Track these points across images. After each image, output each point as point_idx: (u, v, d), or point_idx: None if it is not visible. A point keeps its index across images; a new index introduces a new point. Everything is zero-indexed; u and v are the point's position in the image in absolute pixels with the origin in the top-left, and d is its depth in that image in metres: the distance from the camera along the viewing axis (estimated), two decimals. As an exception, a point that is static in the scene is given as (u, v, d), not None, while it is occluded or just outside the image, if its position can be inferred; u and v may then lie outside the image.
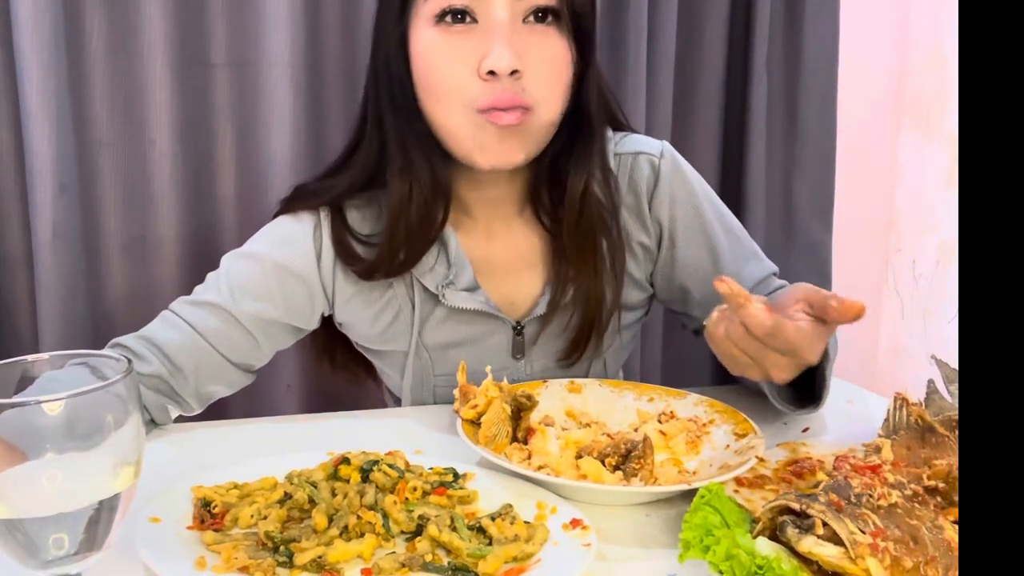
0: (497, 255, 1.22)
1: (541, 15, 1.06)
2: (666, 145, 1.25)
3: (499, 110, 1.05)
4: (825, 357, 1.00)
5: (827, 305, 0.83)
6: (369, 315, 1.22)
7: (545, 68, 1.07)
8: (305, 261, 1.17)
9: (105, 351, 0.73)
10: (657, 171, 1.22)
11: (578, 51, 1.10)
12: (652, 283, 1.29)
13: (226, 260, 1.19)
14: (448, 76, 1.06)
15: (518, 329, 1.23)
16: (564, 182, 1.16)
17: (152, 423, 1.12)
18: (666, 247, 1.25)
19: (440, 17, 1.04)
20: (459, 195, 1.20)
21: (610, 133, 1.23)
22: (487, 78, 1.03)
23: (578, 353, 1.23)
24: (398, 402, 1.33)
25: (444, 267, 1.18)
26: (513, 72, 1.03)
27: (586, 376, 1.27)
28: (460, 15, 1.04)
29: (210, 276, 1.18)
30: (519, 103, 1.05)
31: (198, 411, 1.16)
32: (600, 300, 1.19)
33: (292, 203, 1.20)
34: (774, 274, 1.26)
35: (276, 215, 1.22)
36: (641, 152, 1.24)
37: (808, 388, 1.06)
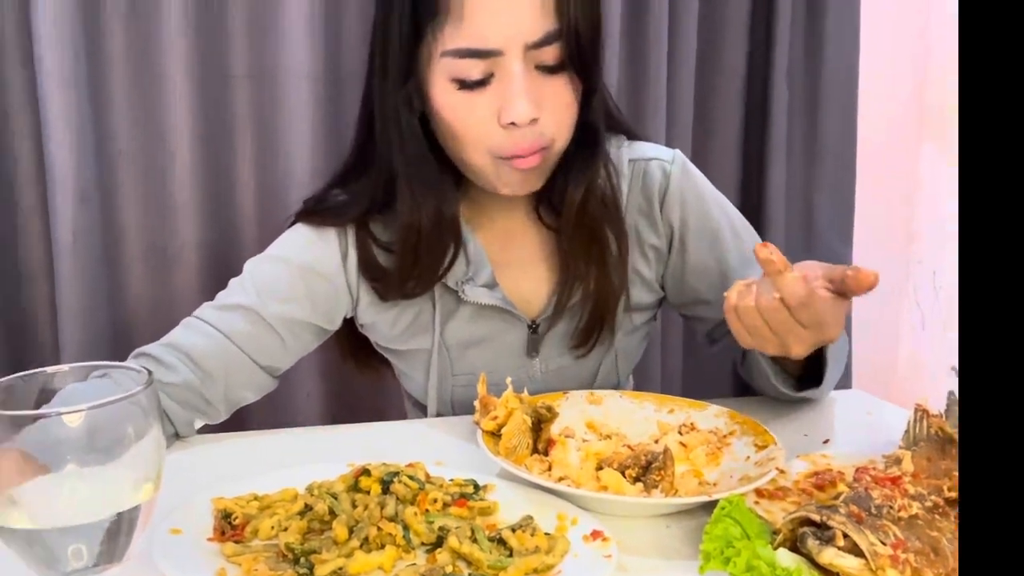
0: (513, 254, 1.25)
1: (552, 67, 1.08)
2: (677, 152, 1.29)
3: (520, 156, 1.09)
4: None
5: (844, 276, 0.87)
6: (391, 315, 1.24)
7: (559, 108, 1.10)
8: (331, 261, 1.20)
9: (127, 363, 0.73)
10: (668, 176, 1.26)
11: (584, 82, 1.12)
12: (663, 286, 1.31)
13: (249, 265, 1.20)
14: (471, 127, 1.09)
15: (533, 327, 1.25)
16: (566, 188, 1.18)
17: (176, 436, 1.12)
18: (676, 249, 1.27)
19: (461, 83, 1.07)
20: (475, 198, 1.22)
21: (624, 141, 1.27)
22: (508, 127, 1.07)
23: (591, 342, 1.25)
24: (418, 409, 1.34)
25: (463, 264, 1.20)
26: (532, 121, 1.06)
27: (597, 374, 1.30)
28: (482, 82, 1.07)
29: (233, 282, 1.19)
30: (539, 146, 1.09)
31: (225, 418, 1.16)
32: (609, 289, 1.22)
33: (312, 217, 1.21)
34: None
35: (292, 224, 1.23)
36: (653, 158, 1.27)
37: (809, 375, 1.13)
